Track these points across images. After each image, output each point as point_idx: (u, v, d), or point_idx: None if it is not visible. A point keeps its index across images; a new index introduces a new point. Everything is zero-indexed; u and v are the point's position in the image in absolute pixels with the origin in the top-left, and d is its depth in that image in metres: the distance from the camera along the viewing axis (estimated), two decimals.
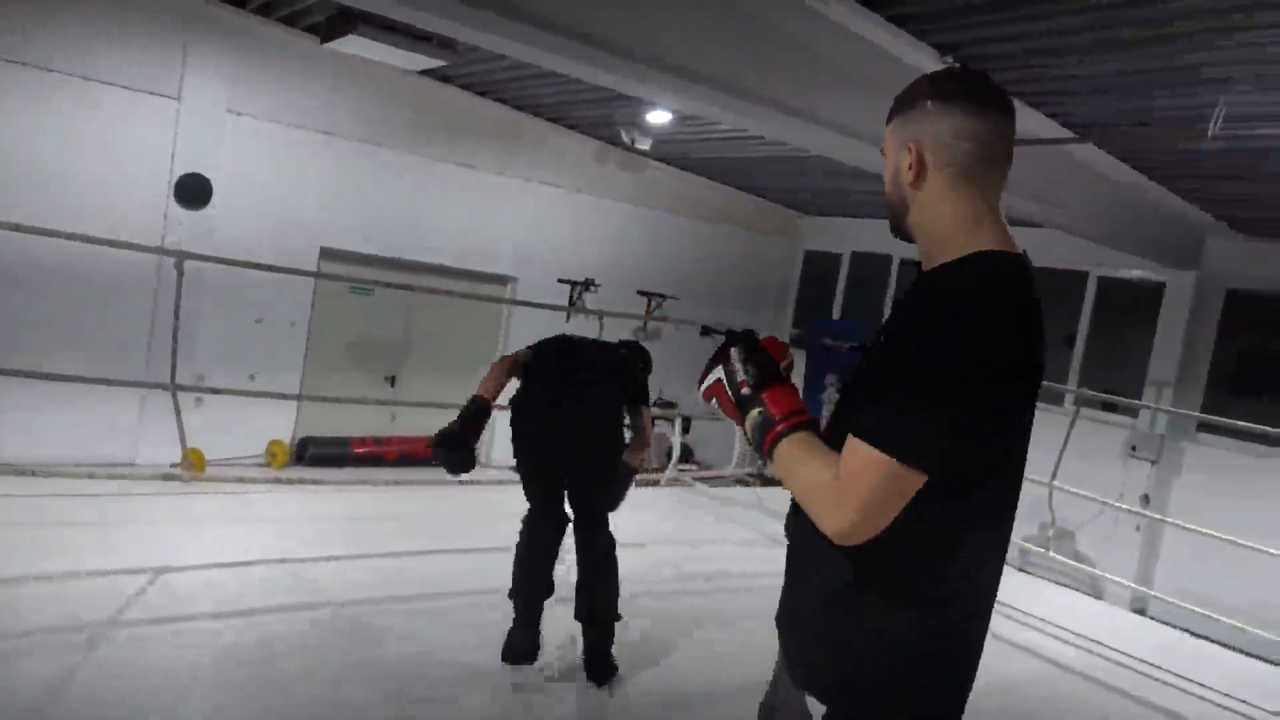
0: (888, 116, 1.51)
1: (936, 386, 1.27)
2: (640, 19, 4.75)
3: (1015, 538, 6.67)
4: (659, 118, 8.60)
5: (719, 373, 1.53)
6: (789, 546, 1.56)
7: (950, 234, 1.42)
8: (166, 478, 5.05)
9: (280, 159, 8.75)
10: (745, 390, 1.48)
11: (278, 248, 8.08)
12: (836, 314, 12.04)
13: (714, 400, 1.56)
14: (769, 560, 5.21)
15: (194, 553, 3.91)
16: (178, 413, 4.52)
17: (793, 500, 1.47)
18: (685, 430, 10.90)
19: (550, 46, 4.64)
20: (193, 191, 8.20)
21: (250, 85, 8.46)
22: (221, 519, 4.49)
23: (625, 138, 9.40)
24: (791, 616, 1.55)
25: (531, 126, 10.02)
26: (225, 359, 8.38)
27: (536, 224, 10.45)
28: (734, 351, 1.52)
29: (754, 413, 1.46)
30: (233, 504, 4.80)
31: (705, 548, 5.18)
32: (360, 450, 9.35)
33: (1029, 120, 6.08)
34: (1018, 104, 5.83)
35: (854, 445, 1.31)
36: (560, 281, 10.76)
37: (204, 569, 3.78)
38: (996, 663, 4.17)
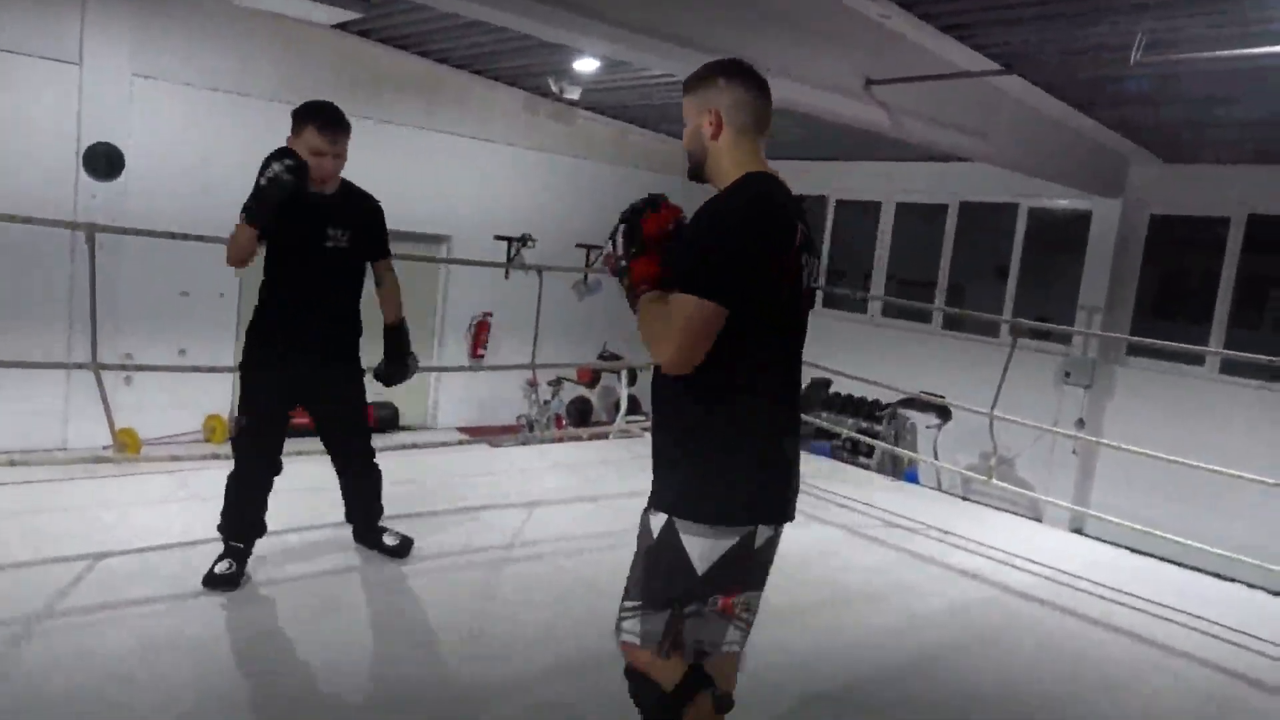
0: (684, 89, 2.11)
1: (720, 249, 1.87)
2: None
3: (959, 467, 6.85)
4: (586, 65, 8.43)
5: (608, 246, 2.04)
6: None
7: (732, 170, 2.03)
8: (98, 460, 4.87)
9: (194, 123, 8.40)
10: (622, 263, 2.01)
11: (197, 216, 7.75)
12: None
13: (607, 268, 2.07)
14: None
15: (132, 536, 3.79)
16: (103, 393, 4.35)
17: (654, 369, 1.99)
18: (632, 382, 10.91)
19: None
20: (103, 161, 7.84)
21: (156, 47, 8.07)
22: (159, 499, 4.36)
23: (554, 87, 9.21)
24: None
25: (456, 79, 9.76)
26: (152, 335, 8.11)
27: (469, 180, 10.24)
28: (620, 229, 2.03)
29: (624, 281, 2.01)
30: (170, 483, 4.66)
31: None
32: (302, 419, 9.15)
33: (953, 53, 6.10)
34: (945, 38, 5.84)
35: (674, 297, 1.87)
36: (497, 238, 10.60)
37: (143, 552, 3.67)
38: (946, 589, 4.29)
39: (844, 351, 8.00)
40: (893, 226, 11.11)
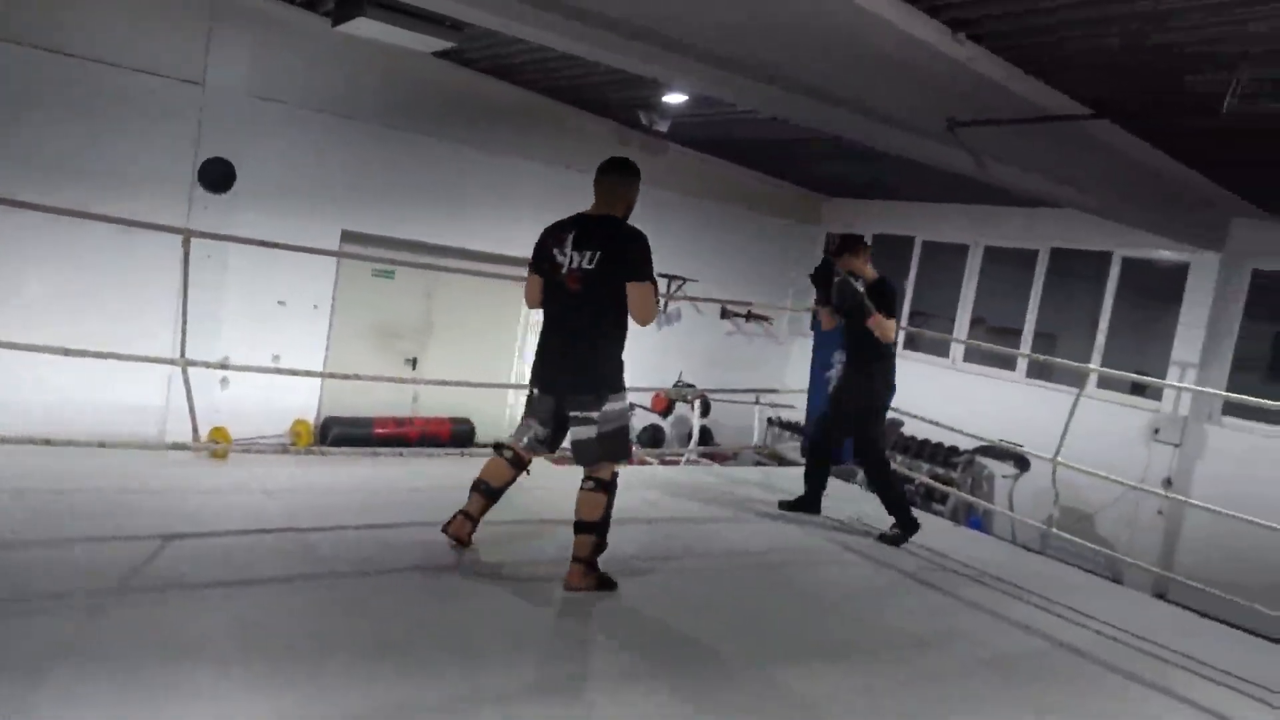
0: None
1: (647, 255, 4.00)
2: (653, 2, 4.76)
3: (1033, 519, 6.58)
4: (675, 99, 8.59)
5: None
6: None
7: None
8: (176, 447, 5.10)
9: (302, 143, 8.86)
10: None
11: (299, 231, 8.17)
12: None
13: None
14: (766, 535, 5.17)
15: (206, 521, 4.02)
16: (188, 389, 4.56)
17: None
18: (705, 413, 10.93)
19: (559, 28, 4.67)
20: (216, 176, 8.34)
21: (272, 70, 8.57)
22: (237, 491, 4.60)
23: (644, 120, 9.40)
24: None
25: (550, 108, 10.05)
26: (249, 341, 8.53)
27: (556, 207, 10.44)
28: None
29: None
30: (248, 477, 4.92)
31: (708, 525, 5.23)
32: (382, 431, 9.48)
33: (1043, 97, 6.01)
34: (1033, 81, 5.73)
35: (634, 287, 3.93)
36: None
37: (217, 537, 3.90)
38: (996, 638, 4.18)
39: (922, 394, 7.87)
40: (980, 271, 10.91)
